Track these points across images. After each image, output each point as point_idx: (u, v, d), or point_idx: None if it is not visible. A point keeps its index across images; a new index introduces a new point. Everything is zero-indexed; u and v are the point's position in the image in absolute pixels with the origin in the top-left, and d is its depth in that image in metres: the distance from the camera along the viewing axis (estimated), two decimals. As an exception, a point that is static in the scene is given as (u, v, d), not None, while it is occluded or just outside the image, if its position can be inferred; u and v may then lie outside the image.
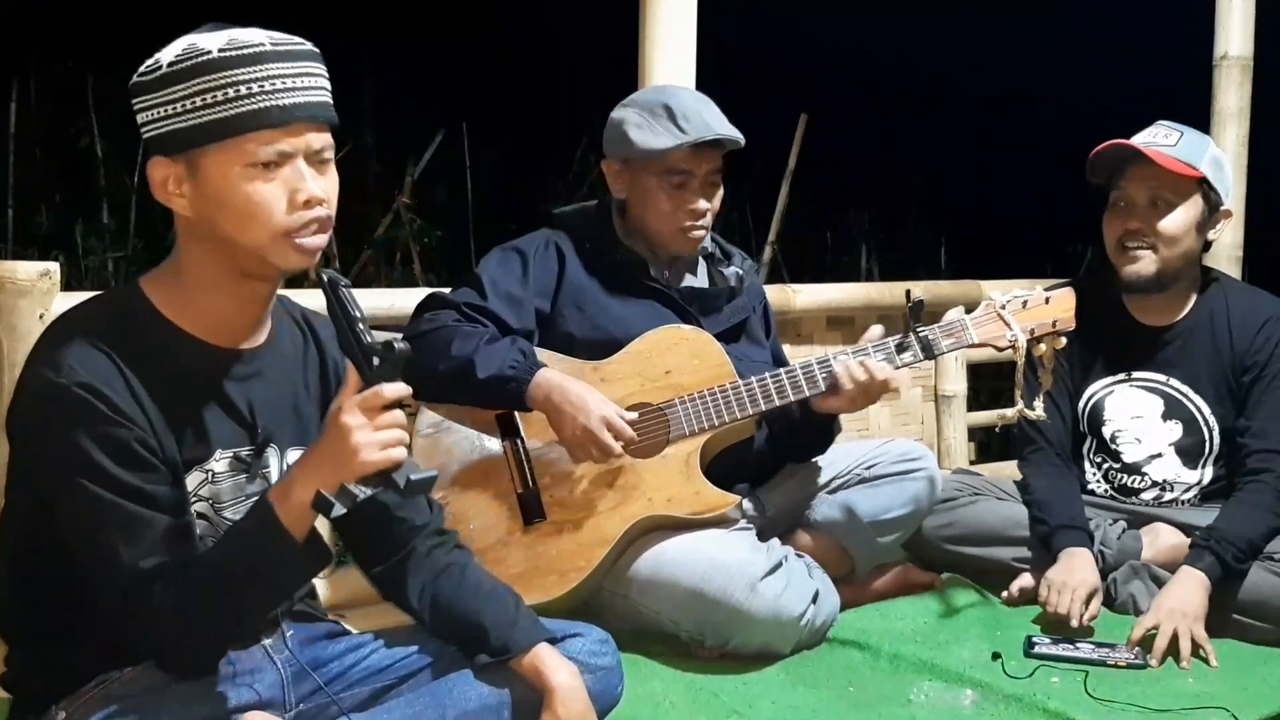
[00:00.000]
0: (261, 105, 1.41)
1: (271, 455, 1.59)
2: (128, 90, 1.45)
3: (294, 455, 1.59)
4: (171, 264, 1.53)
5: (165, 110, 1.42)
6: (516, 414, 2.25)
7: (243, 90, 1.40)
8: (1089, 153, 2.57)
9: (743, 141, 2.32)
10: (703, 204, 2.33)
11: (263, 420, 1.56)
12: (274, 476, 1.58)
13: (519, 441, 2.25)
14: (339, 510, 1.35)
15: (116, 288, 1.58)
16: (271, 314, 1.59)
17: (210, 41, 1.41)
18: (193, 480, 1.50)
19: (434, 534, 1.71)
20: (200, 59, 1.40)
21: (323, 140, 1.47)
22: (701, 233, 2.37)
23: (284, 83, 1.42)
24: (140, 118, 1.45)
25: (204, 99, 1.40)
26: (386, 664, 1.66)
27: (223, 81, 1.40)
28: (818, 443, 2.48)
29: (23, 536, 1.51)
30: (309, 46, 1.48)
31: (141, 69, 1.44)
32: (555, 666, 1.59)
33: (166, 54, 1.42)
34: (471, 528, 2.21)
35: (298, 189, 1.44)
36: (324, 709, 1.60)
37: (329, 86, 1.48)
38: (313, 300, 1.65)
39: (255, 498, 1.53)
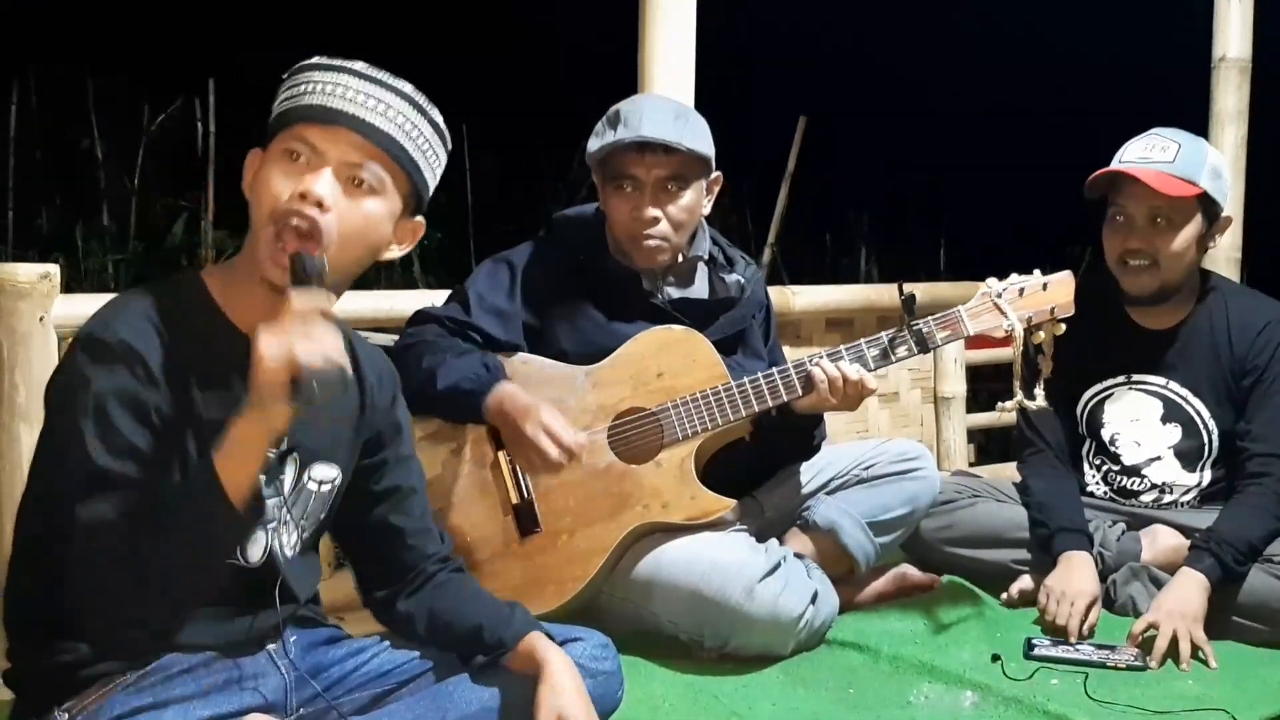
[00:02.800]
0: (313, 102, 1.45)
1: (290, 463, 1.58)
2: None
3: (317, 469, 1.60)
4: (237, 255, 1.55)
5: (273, 108, 1.49)
6: None
7: (306, 88, 1.47)
8: (1087, 154, 2.56)
9: (684, 145, 2.23)
10: (650, 211, 2.26)
11: (289, 425, 1.55)
12: (288, 484, 1.58)
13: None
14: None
15: (180, 273, 1.59)
16: None
17: (320, 58, 1.49)
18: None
19: (440, 560, 1.72)
20: (301, 64, 1.49)
21: (362, 157, 1.46)
22: (657, 242, 2.29)
23: (343, 91, 1.46)
24: None
25: (284, 94, 1.48)
26: (387, 668, 1.66)
27: (299, 80, 1.48)
28: (802, 446, 2.47)
29: (40, 526, 1.50)
30: (398, 85, 1.50)
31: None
32: (547, 646, 1.62)
33: None
34: (468, 540, 2.21)
35: (300, 182, 1.43)
36: (325, 713, 1.60)
37: (407, 128, 1.49)
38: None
39: (271, 500, 1.54)
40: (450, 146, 1.59)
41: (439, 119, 1.55)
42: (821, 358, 2.25)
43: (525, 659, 1.62)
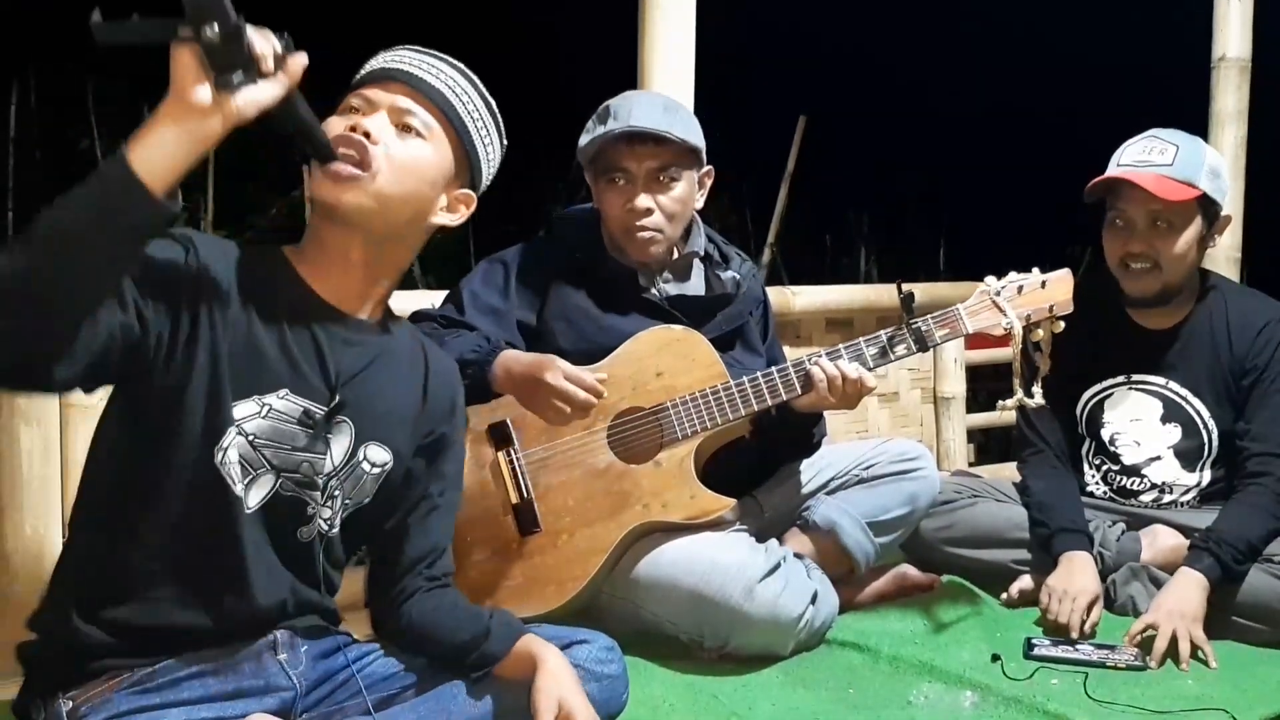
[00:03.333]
0: (373, 68, 1.60)
1: (345, 429, 1.57)
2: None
3: (372, 450, 1.61)
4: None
5: None
6: (509, 423, 2.24)
7: (369, 64, 1.61)
8: (1088, 154, 2.56)
9: (674, 135, 2.24)
10: (642, 201, 2.27)
11: (345, 388, 1.56)
12: (338, 451, 1.57)
13: (512, 451, 2.25)
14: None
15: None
16: (394, 325, 1.66)
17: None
18: (243, 409, 1.48)
19: (429, 578, 1.71)
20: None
21: (412, 106, 1.55)
22: (650, 234, 2.30)
23: (399, 58, 1.59)
24: None
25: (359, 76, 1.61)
26: (392, 671, 1.66)
27: (365, 65, 1.62)
28: (802, 444, 2.47)
29: (100, 483, 1.51)
30: (454, 61, 1.62)
31: None
32: (543, 645, 1.63)
33: None
34: (468, 540, 2.21)
35: (352, 120, 1.52)
36: (328, 718, 1.60)
37: (458, 90, 1.59)
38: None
39: (303, 454, 1.54)
40: (506, 142, 1.67)
41: (494, 104, 1.64)
42: (820, 356, 2.25)
43: (521, 662, 1.62)
